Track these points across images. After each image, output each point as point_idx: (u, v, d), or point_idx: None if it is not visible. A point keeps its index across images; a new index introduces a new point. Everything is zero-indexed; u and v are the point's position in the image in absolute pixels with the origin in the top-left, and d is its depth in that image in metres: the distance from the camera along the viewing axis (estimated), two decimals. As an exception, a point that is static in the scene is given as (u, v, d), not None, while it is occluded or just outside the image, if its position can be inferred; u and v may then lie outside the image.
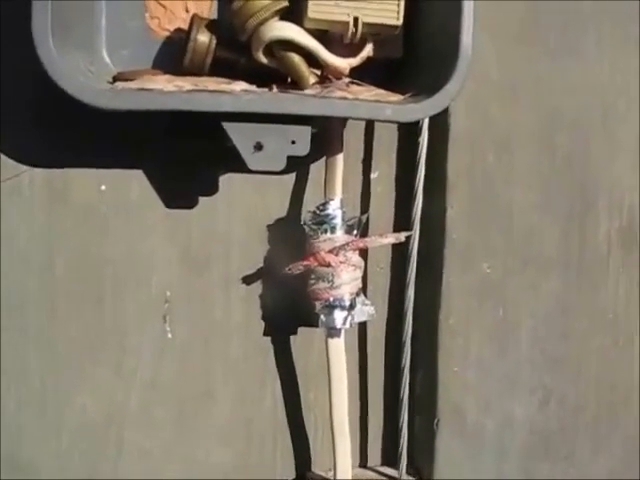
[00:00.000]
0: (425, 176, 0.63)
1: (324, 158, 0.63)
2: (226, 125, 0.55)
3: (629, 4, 0.66)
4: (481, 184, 0.64)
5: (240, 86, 0.57)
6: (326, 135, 0.61)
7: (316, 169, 0.64)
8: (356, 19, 0.56)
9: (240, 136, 0.55)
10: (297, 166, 0.64)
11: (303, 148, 0.56)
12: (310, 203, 0.64)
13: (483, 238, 0.65)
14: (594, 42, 0.65)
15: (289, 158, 0.56)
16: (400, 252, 0.65)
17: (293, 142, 0.56)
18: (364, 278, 0.64)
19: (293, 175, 0.65)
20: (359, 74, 0.60)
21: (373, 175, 0.66)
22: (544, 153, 0.65)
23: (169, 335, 0.65)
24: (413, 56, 0.61)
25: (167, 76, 0.58)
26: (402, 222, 0.65)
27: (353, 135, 0.65)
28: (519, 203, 0.65)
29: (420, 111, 0.56)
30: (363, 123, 0.65)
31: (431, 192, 0.64)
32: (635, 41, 0.66)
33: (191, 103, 0.54)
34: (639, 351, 0.69)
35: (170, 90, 0.55)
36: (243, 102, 0.54)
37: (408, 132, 0.64)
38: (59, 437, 0.63)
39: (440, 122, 0.63)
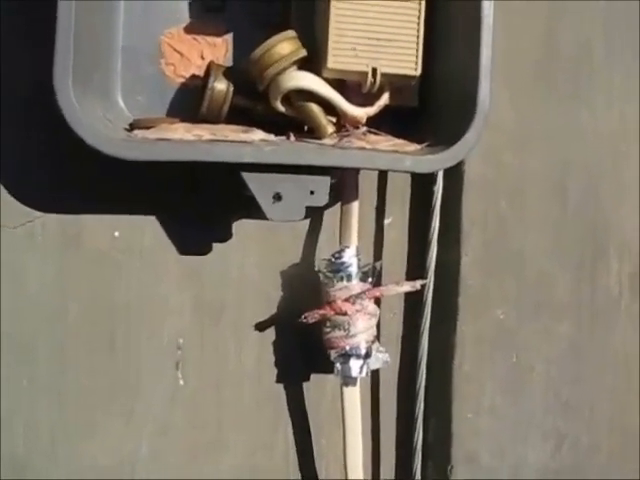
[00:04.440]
0: (439, 223, 0.63)
1: (338, 204, 0.63)
2: (246, 175, 0.55)
3: (637, 53, 0.67)
4: (494, 231, 0.65)
5: (258, 135, 0.57)
6: (341, 183, 0.61)
7: (330, 215, 0.64)
8: (375, 70, 0.57)
9: (259, 186, 0.55)
10: (311, 213, 0.63)
11: (322, 198, 0.56)
12: (324, 249, 0.64)
13: (497, 285, 0.65)
14: (604, 92, 0.66)
15: (310, 207, 0.56)
16: (413, 298, 0.65)
17: (312, 192, 0.56)
18: (377, 325, 0.64)
19: (307, 222, 0.65)
20: (375, 123, 0.60)
21: (387, 221, 0.66)
22: (556, 200, 0.66)
23: (181, 382, 0.64)
24: (429, 105, 0.61)
25: (185, 124, 0.58)
26: (415, 268, 0.65)
27: (366, 181, 0.65)
28: (531, 249, 0.66)
29: (438, 162, 0.56)
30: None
31: (445, 239, 0.64)
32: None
33: (212, 154, 0.54)
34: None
35: (189, 140, 0.55)
36: (264, 153, 0.54)
37: (422, 178, 0.65)
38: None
39: (454, 170, 0.63)
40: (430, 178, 0.63)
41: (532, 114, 0.65)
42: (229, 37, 0.62)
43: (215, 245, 0.64)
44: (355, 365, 0.60)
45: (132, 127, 0.59)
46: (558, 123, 0.66)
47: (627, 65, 0.67)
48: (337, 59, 0.56)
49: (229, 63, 0.62)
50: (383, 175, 0.66)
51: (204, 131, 0.57)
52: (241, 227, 0.64)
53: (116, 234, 0.63)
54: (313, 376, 0.66)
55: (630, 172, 0.67)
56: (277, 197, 0.55)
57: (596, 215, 0.67)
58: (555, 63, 0.66)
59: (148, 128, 0.57)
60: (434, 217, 0.62)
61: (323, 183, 0.56)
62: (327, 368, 0.62)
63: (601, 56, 0.66)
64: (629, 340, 0.68)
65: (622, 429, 0.68)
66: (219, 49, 0.62)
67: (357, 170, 0.62)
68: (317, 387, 0.66)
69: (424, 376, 0.64)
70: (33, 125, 0.61)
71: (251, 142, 0.55)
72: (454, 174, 0.64)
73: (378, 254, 0.66)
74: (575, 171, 0.66)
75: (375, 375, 0.67)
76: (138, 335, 0.63)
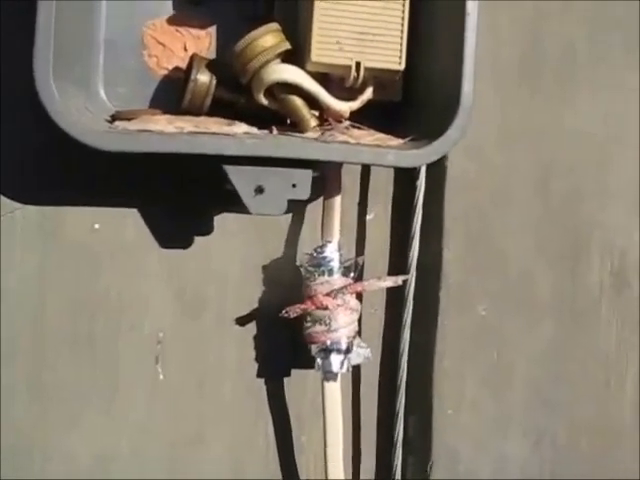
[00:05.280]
0: (421, 219, 0.63)
1: (320, 199, 0.62)
2: (227, 168, 0.54)
3: (623, 55, 0.67)
4: (477, 228, 0.65)
5: (241, 128, 0.57)
6: (324, 177, 0.61)
7: (312, 210, 0.64)
8: (358, 64, 0.56)
9: (241, 179, 0.55)
10: (293, 207, 0.63)
11: (304, 192, 0.56)
12: (306, 244, 0.64)
13: (478, 281, 0.65)
14: (588, 92, 0.66)
15: (292, 200, 0.56)
16: (394, 294, 0.65)
17: (294, 186, 0.55)
18: (359, 320, 0.64)
19: (289, 216, 0.64)
20: (358, 117, 0.60)
21: (369, 217, 0.66)
22: (539, 198, 0.66)
23: (161, 376, 0.64)
24: (412, 100, 0.61)
25: (167, 116, 0.58)
26: (397, 264, 0.65)
27: (349, 176, 0.65)
28: (514, 247, 0.66)
29: (421, 157, 0.56)
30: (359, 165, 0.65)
31: (427, 235, 0.64)
32: (628, 90, 0.67)
33: (193, 146, 0.53)
34: (630, 393, 0.69)
35: (171, 132, 0.55)
36: (247, 146, 0.54)
37: (404, 174, 0.65)
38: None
39: (437, 166, 0.63)
40: (413, 174, 0.63)
41: (517, 113, 0.65)
42: (212, 29, 0.62)
43: (197, 239, 0.63)
44: (336, 360, 0.60)
45: (114, 119, 0.58)
46: (542, 122, 0.66)
47: (611, 66, 0.67)
48: (321, 52, 0.56)
49: (212, 56, 0.62)
50: (366, 170, 0.65)
51: (186, 123, 0.56)
52: (223, 221, 0.63)
53: (96, 226, 0.62)
54: (294, 371, 0.65)
55: (613, 172, 0.67)
56: (259, 190, 0.55)
57: (579, 214, 0.67)
58: (540, 63, 0.66)
59: (130, 119, 0.57)
60: (416, 213, 0.62)
61: (305, 176, 0.55)
62: (308, 363, 0.62)
63: (585, 57, 0.67)
64: (610, 339, 0.68)
65: (602, 427, 0.69)
66: (202, 41, 0.62)
67: (340, 165, 0.62)
68: (298, 382, 0.65)
69: (405, 371, 0.64)
70: (11, 116, 0.60)
71: (233, 135, 0.55)
72: (437, 170, 0.64)
73: (360, 249, 0.66)
74: (558, 170, 0.66)
75: (356, 370, 0.66)
76: (118, 328, 0.63)
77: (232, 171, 0.54)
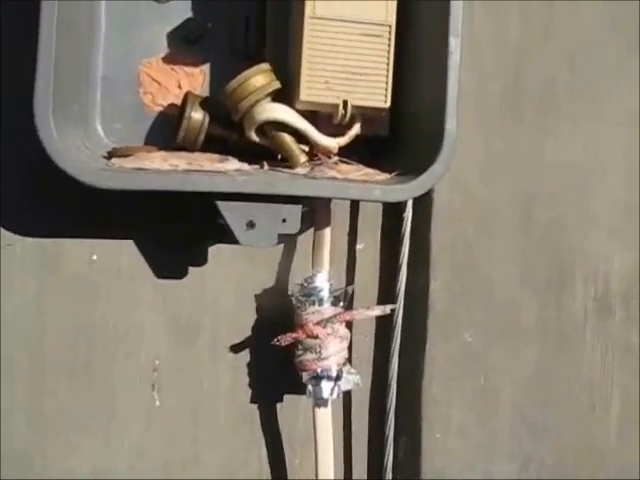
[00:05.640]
0: (409, 249, 0.65)
1: (311, 230, 0.64)
2: (220, 204, 0.56)
3: (601, 84, 0.69)
4: (463, 257, 0.67)
5: (233, 165, 0.59)
6: (314, 210, 0.63)
7: (303, 240, 0.66)
8: (345, 102, 0.59)
9: (233, 215, 0.57)
10: (285, 238, 0.65)
11: (294, 226, 0.58)
12: (297, 274, 0.66)
13: (465, 309, 0.67)
14: (569, 124, 0.69)
15: (282, 234, 0.58)
16: (384, 322, 0.67)
17: (284, 220, 0.57)
18: (349, 347, 0.66)
19: (281, 247, 0.66)
20: (346, 151, 0.62)
21: (359, 247, 0.68)
22: (522, 228, 0.68)
23: (157, 403, 0.65)
24: (400, 135, 0.63)
25: (162, 153, 0.60)
26: (386, 292, 0.67)
27: (339, 207, 0.67)
28: (499, 275, 0.68)
29: (406, 192, 0.58)
30: (349, 196, 0.67)
31: (415, 265, 0.66)
32: (607, 121, 0.69)
33: (187, 184, 0.55)
34: (615, 415, 0.71)
35: (166, 170, 0.57)
36: (238, 183, 0.56)
37: (392, 206, 0.67)
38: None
39: (424, 198, 0.65)
40: (400, 206, 0.65)
41: (500, 145, 0.67)
42: (206, 67, 0.64)
43: (191, 269, 0.65)
44: (326, 387, 0.62)
45: (110, 155, 0.60)
46: (525, 154, 0.68)
47: (591, 99, 0.69)
48: (309, 92, 0.58)
49: (206, 93, 0.64)
50: (356, 202, 0.67)
51: (180, 160, 0.58)
52: (217, 252, 0.65)
53: (94, 257, 0.64)
54: (287, 397, 0.67)
55: (594, 201, 0.69)
56: (250, 225, 0.57)
57: (562, 242, 0.69)
58: (522, 97, 0.68)
59: (126, 156, 0.59)
60: (404, 243, 0.64)
61: (295, 211, 0.57)
62: (300, 390, 0.64)
63: (566, 90, 0.69)
64: (594, 363, 0.70)
65: (587, 451, 0.70)
66: (196, 79, 0.64)
67: (329, 198, 0.64)
68: (290, 408, 0.67)
69: (394, 397, 0.66)
70: (15, 151, 0.62)
71: (225, 172, 0.57)
72: (423, 202, 0.66)
73: (350, 279, 0.67)
74: (541, 200, 0.68)
75: (347, 396, 0.68)
76: (115, 356, 0.65)
77: (224, 207, 0.57)
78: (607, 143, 0.69)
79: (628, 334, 0.70)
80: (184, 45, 0.64)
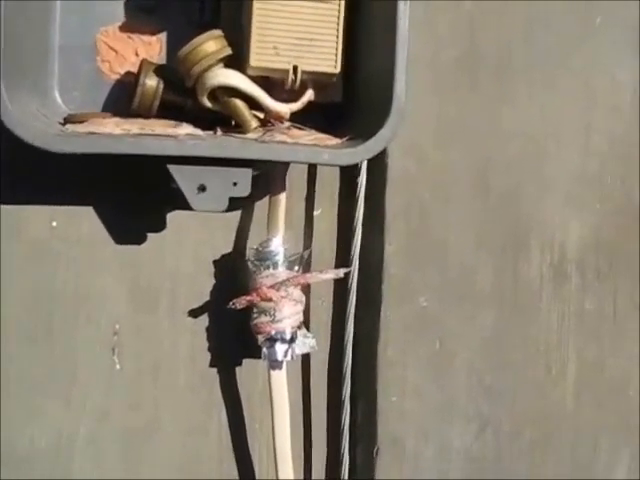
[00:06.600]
0: (364, 214, 0.66)
1: (268, 197, 0.65)
2: (171, 167, 0.57)
3: (557, 54, 0.70)
4: (418, 222, 0.68)
5: (185, 130, 0.60)
6: (269, 175, 0.64)
7: (261, 206, 0.67)
8: (295, 67, 0.59)
9: (184, 178, 0.58)
10: (242, 204, 0.66)
11: (244, 189, 0.58)
12: (254, 239, 0.67)
13: (420, 273, 0.68)
14: (525, 90, 0.69)
15: (234, 198, 0.59)
16: (341, 287, 0.68)
17: (235, 184, 0.58)
18: (307, 312, 0.67)
19: (238, 213, 0.67)
20: (301, 118, 0.63)
21: (316, 212, 0.69)
22: (478, 193, 0.69)
23: (117, 367, 0.67)
24: (352, 101, 0.64)
25: (115, 119, 0.61)
26: (343, 258, 0.68)
27: (297, 174, 0.68)
28: (454, 240, 0.69)
29: (355, 155, 0.59)
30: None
31: (370, 229, 0.67)
32: (562, 88, 0.70)
33: (137, 147, 0.56)
34: (571, 380, 0.72)
35: (118, 134, 0.58)
36: (187, 147, 0.56)
37: (349, 171, 0.67)
38: (6, 468, 0.65)
39: (378, 163, 0.66)
40: (356, 170, 0.66)
41: (455, 111, 0.68)
42: (163, 36, 0.65)
43: (150, 235, 0.66)
44: (280, 349, 0.63)
45: (66, 121, 0.61)
46: (480, 121, 0.69)
47: (547, 65, 0.70)
48: (259, 57, 0.59)
49: (163, 61, 0.65)
50: (312, 169, 0.68)
51: (133, 125, 0.59)
52: (175, 218, 0.66)
53: (54, 224, 0.65)
54: (245, 361, 0.68)
55: (550, 168, 0.70)
56: (201, 188, 0.58)
57: (518, 208, 0.70)
58: (477, 62, 0.68)
59: (81, 122, 0.60)
60: (358, 208, 0.65)
61: (245, 175, 0.58)
62: (258, 354, 0.65)
63: (522, 56, 0.69)
64: (550, 329, 0.71)
65: (543, 416, 0.71)
66: (153, 47, 0.65)
67: (284, 163, 0.65)
68: (249, 372, 0.68)
69: (350, 360, 0.67)
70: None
71: (176, 136, 0.58)
72: (378, 167, 0.67)
73: (307, 244, 0.68)
74: (497, 166, 0.69)
75: (306, 360, 0.69)
76: (75, 321, 0.66)
77: (175, 170, 0.57)
78: (563, 111, 0.70)
79: (584, 300, 0.71)
80: (141, 14, 0.65)
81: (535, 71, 0.69)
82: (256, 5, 0.58)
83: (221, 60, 0.60)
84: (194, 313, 0.67)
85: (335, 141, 0.61)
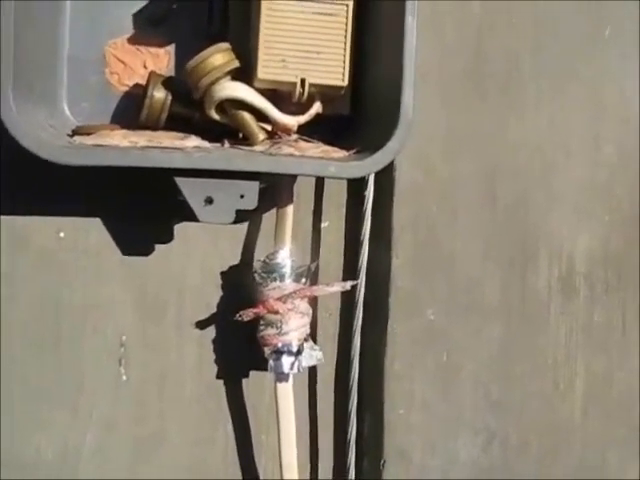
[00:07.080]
0: (372, 227, 0.66)
1: (275, 209, 0.65)
2: (178, 180, 0.57)
3: (566, 65, 0.70)
4: (425, 235, 0.67)
5: (192, 142, 0.60)
6: (277, 188, 0.64)
7: (268, 219, 0.67)
8: (303, 80, 0.59)
9: (191, 190, 0.58)
10: (249, 216, 0.66)
11: (251, 202, 0.58)
12: (261, 251, 0.66)
13: (427, 286, 0.68)
14: (533, 101, 0.69)
15: (241, 210, 0.59)
16: (349, 299, 0.68)
17: (242, 196, 0.58)
18: (314, 324, 0.67)
19: (246, 225, 0.67)
20: (309, 130, 0.63)
21: (323, 225, 0.69)
22: (486, 205, 0.69)
23: (124, 377, 0.67)
24: (360, 113, 0.64)
25: (123, 131, 0.61)
26: (351, 270, 0.68)
27: (304, 186, 0.68)
28: (462, 253, 0.68)
29: (363, 168, 0.59)
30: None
31: (377, 242, 0.67)
32: (571, 99, 0.70)
33: (144, 159, 0.57)
34: (579, 393, 0.71)
35: (125, 146, 0.58)
36: (194, 159, 0.57)
37: (356, 184, 0.67)
38: (12, 477, 0.65)
39: (386, 176, 0.66)
40: (363, 183, 0.66)
41: (463, 122, 0.68)
42: (171, 48, 0.65)
43: (157, 246, 0.66)
44: (287, 362, 0.63)
45: (74, 133, 0.61)
46: (488, 131, 0.68)
47: (555, 75, 0.69)
48: (266, 70, 0.59)
49: (171, 73, 0.65)
50: (320, 181, 0.68)
51: (141, 137, 0.60)
52: (183, 229, 0.66)
53: (61, 235, 0.65)
54: (252, 373, 0.68)
55: (558, 179, 0.70)
56: (208, 201, 0.58)
57: (525, 220, 0.70)
58: (485, 73, 0.68)
59: (88, 134, 0.60)
60: (365, 220, 0.65)
61: (252, 187, 0.58)
62: (265, 366, 0.65)
63: (530, 67, 0.69)
64: (558, 343, 0.71)
65: (551, 429, 0.71)
66: (161, 59, 0.65)
67: (292, 176, 0.65)
68: (256, 384, 0.68)
69: (357, 373, 0.67)
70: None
71: (183, 148, 0.58)
72: (386, 179, 0.67)
73: (315, 257, 0.68)
74: (505, 177, 0.69)
75: (313, 372, 0.69)
76: (82, 332, 0.66)
77: (182, 183, 0.58)
78: (571, 121, 0.70)
79: (592, 313, 0.71)
80: (149, 26, 0.65)
81: (543, 82, 0.69)
82: (264, 18, 0.59)
83: (229, 73, 0.60)
84: (201, 324, 0.67)
85: (342, 153, 0.61)
